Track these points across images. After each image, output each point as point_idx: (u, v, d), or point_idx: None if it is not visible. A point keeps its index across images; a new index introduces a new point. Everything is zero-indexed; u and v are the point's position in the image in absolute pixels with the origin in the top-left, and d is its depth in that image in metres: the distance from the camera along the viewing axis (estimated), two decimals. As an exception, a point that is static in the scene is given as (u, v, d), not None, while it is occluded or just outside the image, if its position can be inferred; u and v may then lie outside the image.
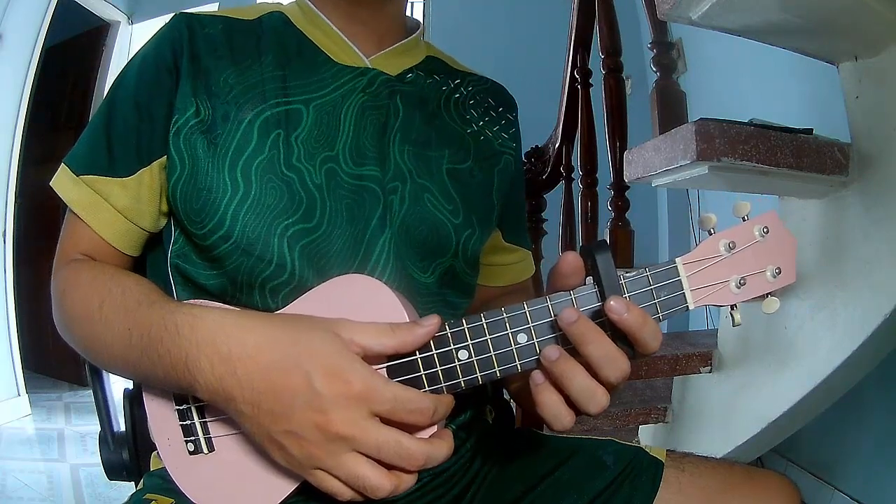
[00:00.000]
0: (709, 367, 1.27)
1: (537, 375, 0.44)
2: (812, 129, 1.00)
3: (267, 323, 0.45)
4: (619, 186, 1.45)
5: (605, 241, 0.45)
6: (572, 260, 0.44)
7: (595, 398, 0.43)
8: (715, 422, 1.26)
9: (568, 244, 1.84)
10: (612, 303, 0.42)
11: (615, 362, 0.42)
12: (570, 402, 0.44)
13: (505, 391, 0.72)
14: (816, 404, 1.12)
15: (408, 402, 0.42)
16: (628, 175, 1.16)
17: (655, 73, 1.53)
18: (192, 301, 0.52)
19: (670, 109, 1.49)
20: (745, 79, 2.15)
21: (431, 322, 0.45)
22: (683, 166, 0.95)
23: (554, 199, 1.94)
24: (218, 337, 0.43)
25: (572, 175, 1.85)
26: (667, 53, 1.53)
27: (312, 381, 0.41)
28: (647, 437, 1.45)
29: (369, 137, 0.58)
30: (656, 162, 1.02)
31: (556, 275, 0.45)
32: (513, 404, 0.73)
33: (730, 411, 1.22)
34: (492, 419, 0.69)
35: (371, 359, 0.45)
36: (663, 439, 1.40)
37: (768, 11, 0.87)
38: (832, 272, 1.01)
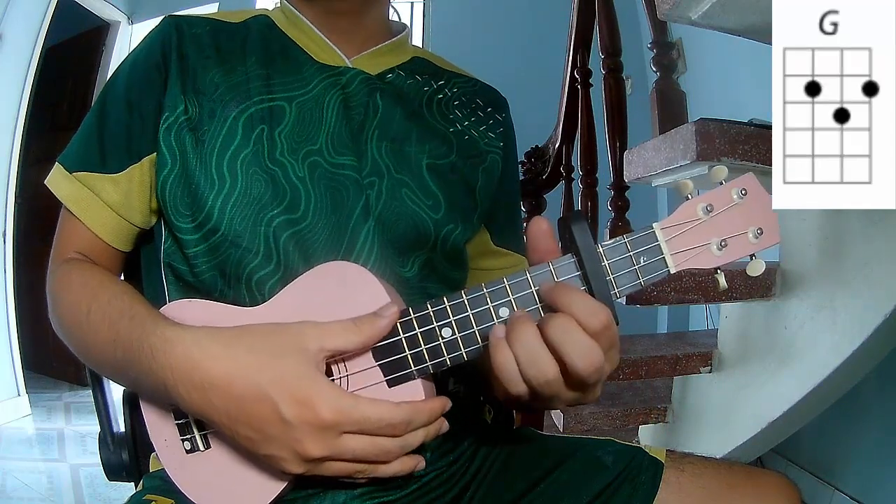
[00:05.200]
0: (709, 367, 1.27)
1: (498, 329, 0.43)
2: (812, 129, 1.00)
3: (235, 347, 0.45)
4: (619, 186, 1.45)
5: (580, 212, 0.45)
6: (541, 223, 0.46)
7: (539, 362, 0.41)
8: (715, 422, 1.26)
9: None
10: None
11: (595, 312, 0.41)
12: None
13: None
14: (816, 404, 1.12)
15: (377, 421, 0.44)
16: (628, 175, 1.16)
17: (655, 73, 1.54)
18: (170, 308, 0.52)
19: (670, 109, 1.49)
20: (745, 79, 2.15)
21: (390, 312, 0.46)
22: (683, 166, 0.95)
23: (554, 199, 1.94)
24: (189, 367, 0.44)
25: (572, 175, 1.85)
26: (667, 53, 1.53)
27: (281, 412, 0.43)
28: (647, 437, 1.45)
29: (348, 133, 0.59)
30: (656, 162, 1.03)
31: (528, 239, 0.47)
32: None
33: (730, 411, 1.22)
34: (491, 419, 0.69)
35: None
36: (663, 439, 1.40)
37: (768, 11, 0.86)
38: (832, 272, 1.01)
